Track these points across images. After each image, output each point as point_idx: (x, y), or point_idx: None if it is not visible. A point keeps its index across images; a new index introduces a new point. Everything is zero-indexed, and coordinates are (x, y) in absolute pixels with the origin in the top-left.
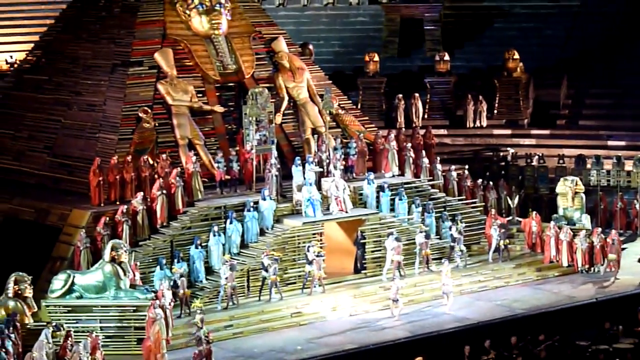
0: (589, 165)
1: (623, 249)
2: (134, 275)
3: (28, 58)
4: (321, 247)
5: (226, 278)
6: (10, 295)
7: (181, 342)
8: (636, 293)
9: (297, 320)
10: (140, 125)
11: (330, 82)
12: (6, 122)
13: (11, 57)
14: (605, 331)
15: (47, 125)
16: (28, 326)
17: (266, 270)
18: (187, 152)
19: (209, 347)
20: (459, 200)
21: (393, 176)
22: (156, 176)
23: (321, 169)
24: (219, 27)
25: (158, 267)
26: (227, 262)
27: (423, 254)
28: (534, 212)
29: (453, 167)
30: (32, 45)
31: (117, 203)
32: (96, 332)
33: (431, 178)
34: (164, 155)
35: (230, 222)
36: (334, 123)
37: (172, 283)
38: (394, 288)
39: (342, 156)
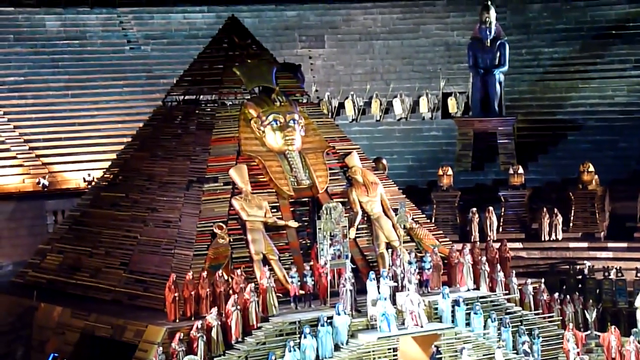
0: None
1: None
2: None
3: (105, 176)
4: None
5: None
6: None
7: None
8: None
9: None
10: (215, 241)
11: (404, 196)
12: (84, 239)
13: (89, 175)
14: None
15: (124, 241)
16: None
17: None
18: (262, 267)
19: None
20: (536, 314)
21: (468, 290)
22: (231, 291)
23: (396, 284)
24: (293, 143)
25: None
26: None
27: None
28: (613, 327)
29: (529, 280)
30: (109, 163)
31: (192, 319)
32: None
33: (507, 292)
34: (238, 271)
35: (305, 337)
36: (408, 237)
37: None
38: None
39: (417, 270)
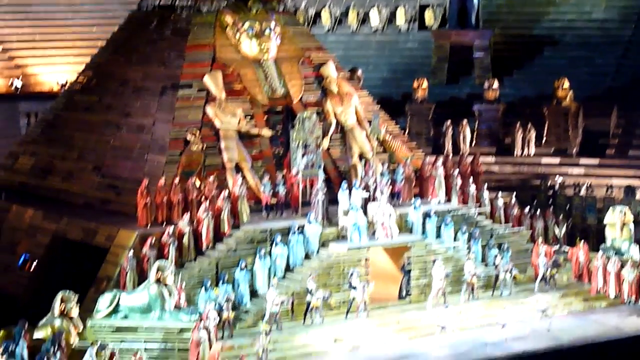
0: (638, 196)
1: None
2: (179, 297)
3: (79, 79)
4: (366, 273)
5: (273, 302)
6: (57, 314)
7: None
8: None
9: (340, 346)
10: (188, 148)
11: (379, 107)
12: (56, 143)
13: (63, 78)
14: None
15: (96, 146)
16: (73, 345)
17: (311, 294)
18: (234, 175)
19: None
20: (506, 228)
21: (439, 203)
22: (203, 198)
23: (367, 194)
24: (268, 51)
25: (203, 289)
26: (274, 285)
27: (468, 282)
28: (582, 242)
29: (500, 194)
30: (82, 66)
31: (164, 225)
32: (140, 353)
33: (478, 205)
34: (211, 178)
35: (276, 246)
36: (382, 149)
37: (216, 305)
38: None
39: (389, 182)
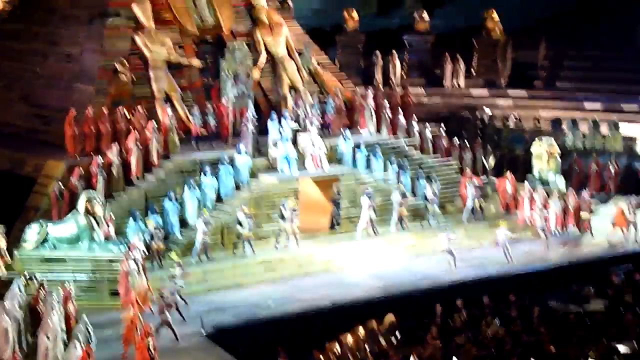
0: (565, 128)
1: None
2: (108, 228)
3: (4, 6)
4: (296, 203)
5: (203, 232)
6: None
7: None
8: (608, 255)
9: (270, 277)
10: (117, 77)
11: (309, 38)
12: None
13: None
14: (576, 293)
15: (23, 74)
16: (0, 276)
17: (241, 225)
18: (164, 105)
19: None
20: (435, 159)
21: (369, 134)
22: (132, 129)
23: (297, 125)
24: None
25: (131, 220)
26: (203, 216)
27: (398, 213)
28: (509, 173)
29: (429, 126)
30: None
31: (92, 155)
32: (69, 284)
33: (407, 137)
34: (140, 108)
35: (205, 176)
36: (312, 80)
37: (147, 236)
38: (444, 239)
39: (319, 113)
